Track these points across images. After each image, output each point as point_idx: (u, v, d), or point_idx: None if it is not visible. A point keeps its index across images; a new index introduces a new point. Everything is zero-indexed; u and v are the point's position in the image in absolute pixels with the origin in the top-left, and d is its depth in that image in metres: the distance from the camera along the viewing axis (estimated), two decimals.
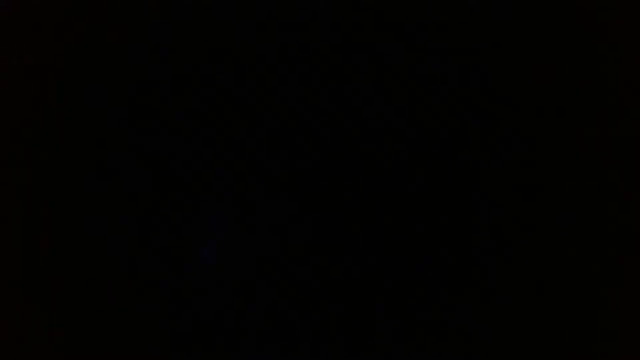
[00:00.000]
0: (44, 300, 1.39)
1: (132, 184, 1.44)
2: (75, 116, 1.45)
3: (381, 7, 1.44)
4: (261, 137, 1.46)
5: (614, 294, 1.35)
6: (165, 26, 1.46)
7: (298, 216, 1.43)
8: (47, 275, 1.40)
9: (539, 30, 1.43)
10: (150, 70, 1.46)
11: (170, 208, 1.44)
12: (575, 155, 1.40)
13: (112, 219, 1.43)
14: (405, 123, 1.45)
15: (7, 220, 1.39)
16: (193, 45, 1.46)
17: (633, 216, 1.36)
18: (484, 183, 1.42)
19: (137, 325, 1.39)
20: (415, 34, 1.44)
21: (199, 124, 1.46)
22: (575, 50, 1.42)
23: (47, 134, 1.43)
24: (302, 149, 1.45)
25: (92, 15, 1.44)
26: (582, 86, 1.41)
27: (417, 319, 1.38)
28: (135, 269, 1.42)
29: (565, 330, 1.36)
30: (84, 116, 1.45)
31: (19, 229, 1.40)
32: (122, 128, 1.45)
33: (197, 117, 1.46)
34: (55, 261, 1.40)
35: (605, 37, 1.40)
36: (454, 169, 1.43)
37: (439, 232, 1.41)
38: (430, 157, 1.43)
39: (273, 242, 1.42)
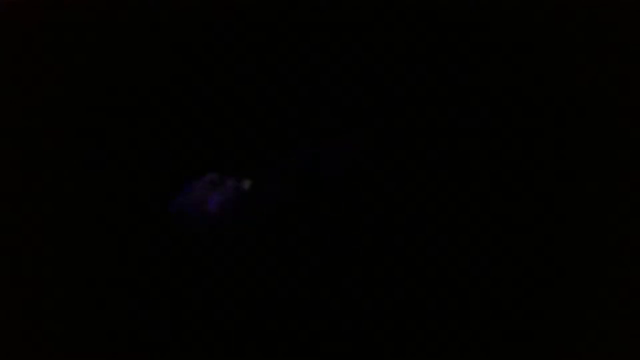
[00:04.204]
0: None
1: (132, 182, 1.45)
2: (75, 115, 1.45)
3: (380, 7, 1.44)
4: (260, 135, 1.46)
5: (614, 295, 1.35)
6: (165, 26, 1.46)
7: (292, 214, 1.43)
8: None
9: (539, 29, 1.43)
10: (151, 70, 1.46)
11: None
12: (574, 156, 1.40)
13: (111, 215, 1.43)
14: (404, 122, 1.45)
15: (7, 219, 1.40)
16: (193, 45, 1.46)
17: (633, 216, 1.36)
18: (484, 183, 1.42)
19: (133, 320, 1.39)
20: (413, 33, 1.44)
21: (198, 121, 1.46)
22: (575, 50, 1.42)
23: (47, 134, 1.43)
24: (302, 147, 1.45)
25: (91, 16, 1.44)
26: (581, 86, 1.41)
27: (414, 320, 1.38)
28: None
29: (563, 330, 1.36)
30: (84, 115, 1.45)
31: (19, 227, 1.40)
32: (123, 127, 1.46)
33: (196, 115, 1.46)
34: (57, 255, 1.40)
35: (605, 37, 1.40)
36: (453, 168, 1.43)
37: (436, 231, 1.41)
38: (427, 156, 1.43)
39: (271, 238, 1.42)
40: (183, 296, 1.40)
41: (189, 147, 1.46)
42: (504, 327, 1.36)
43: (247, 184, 1.30)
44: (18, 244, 1.39)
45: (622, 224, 1.36)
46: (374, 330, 1.36)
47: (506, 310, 1.37)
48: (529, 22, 1.41)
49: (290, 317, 1.37)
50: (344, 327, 1.37)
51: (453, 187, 1.42)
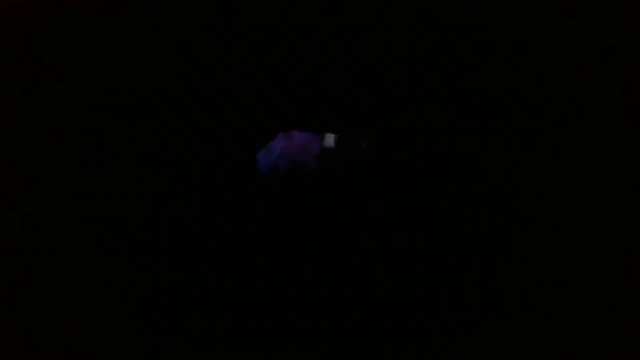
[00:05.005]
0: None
1: (133, 180, 1.45)
2: (75, 115, 1.45)
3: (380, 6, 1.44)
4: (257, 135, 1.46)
5: (614, 295, 1.35)
6: (165, 26, 1.46)
7: (290, 216, 1.43)
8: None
9: (539, 29, 1.43)
10: (150, 69, 1.46)
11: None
12: (574, 156, 1.40)
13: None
14: (405, 122, 1.45)
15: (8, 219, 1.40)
16: (192, 44, 1.46)
17: (633, 216, 1.36)
18: (483, 183, 1.42)
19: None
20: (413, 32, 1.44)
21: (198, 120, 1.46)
22: (575, 51, 1.42)
23: (47, 133, 1.44)
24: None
25: (91, 16, 1.44)
26: (581, 87, 1.41)
27: (416, 321, 1.38)
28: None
29: (562, 330, 1.36)
30: (84, 115, 1.45)
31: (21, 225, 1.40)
32: (124, 126, 1.46)
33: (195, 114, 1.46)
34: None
35: (605, 37, 1.40)
36: (454, 169, 1.43)
37: (438, 233, 1.41)
38: (428, 157, 1.43)
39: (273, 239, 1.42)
40: (183, 296, 1.40)
41: (189, 147, 1.46)
42: (504, 326, 1.36)
43: (332, 140, 1.32)
44: (18, 244, 1.39)
45: (622, 224, 1.36)
46: (373, 329, 1.37)
47: (506, 310, 1.37)
48: (529, 22, 1.41)
49: (289, 316, 1.38)
50: (344, 326, 1.37)
51: (453, 187, 1.42)
